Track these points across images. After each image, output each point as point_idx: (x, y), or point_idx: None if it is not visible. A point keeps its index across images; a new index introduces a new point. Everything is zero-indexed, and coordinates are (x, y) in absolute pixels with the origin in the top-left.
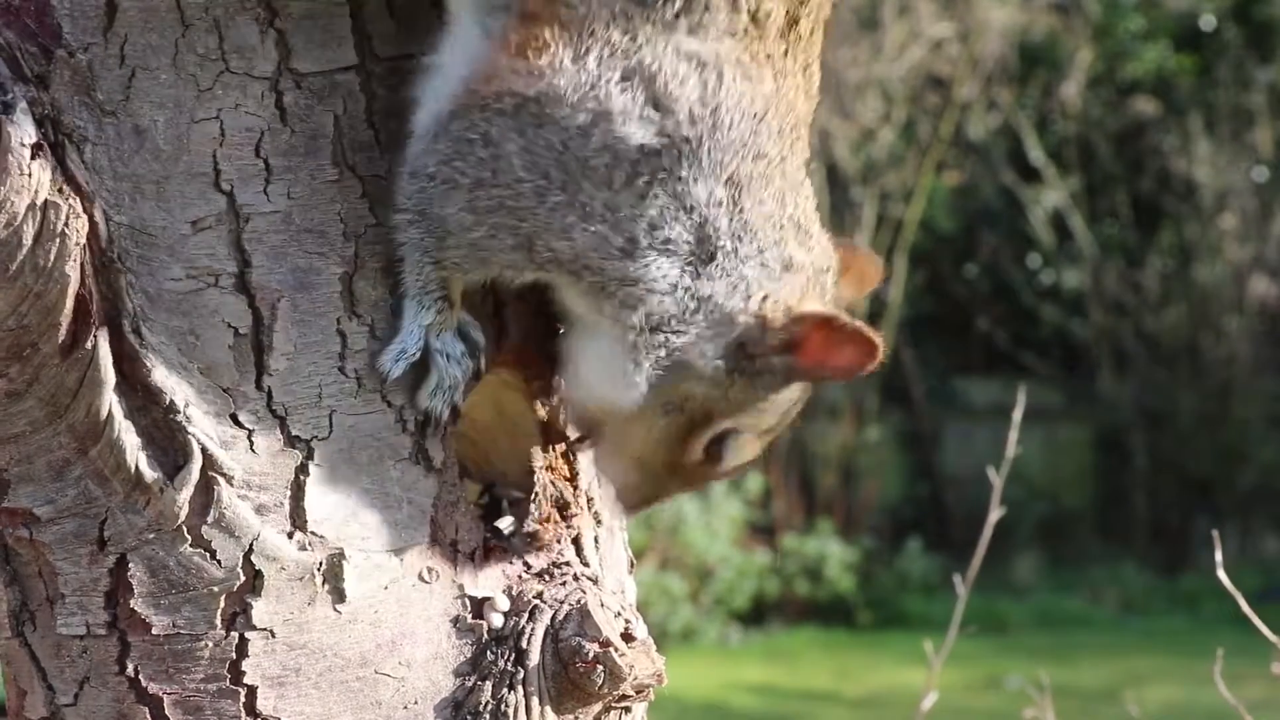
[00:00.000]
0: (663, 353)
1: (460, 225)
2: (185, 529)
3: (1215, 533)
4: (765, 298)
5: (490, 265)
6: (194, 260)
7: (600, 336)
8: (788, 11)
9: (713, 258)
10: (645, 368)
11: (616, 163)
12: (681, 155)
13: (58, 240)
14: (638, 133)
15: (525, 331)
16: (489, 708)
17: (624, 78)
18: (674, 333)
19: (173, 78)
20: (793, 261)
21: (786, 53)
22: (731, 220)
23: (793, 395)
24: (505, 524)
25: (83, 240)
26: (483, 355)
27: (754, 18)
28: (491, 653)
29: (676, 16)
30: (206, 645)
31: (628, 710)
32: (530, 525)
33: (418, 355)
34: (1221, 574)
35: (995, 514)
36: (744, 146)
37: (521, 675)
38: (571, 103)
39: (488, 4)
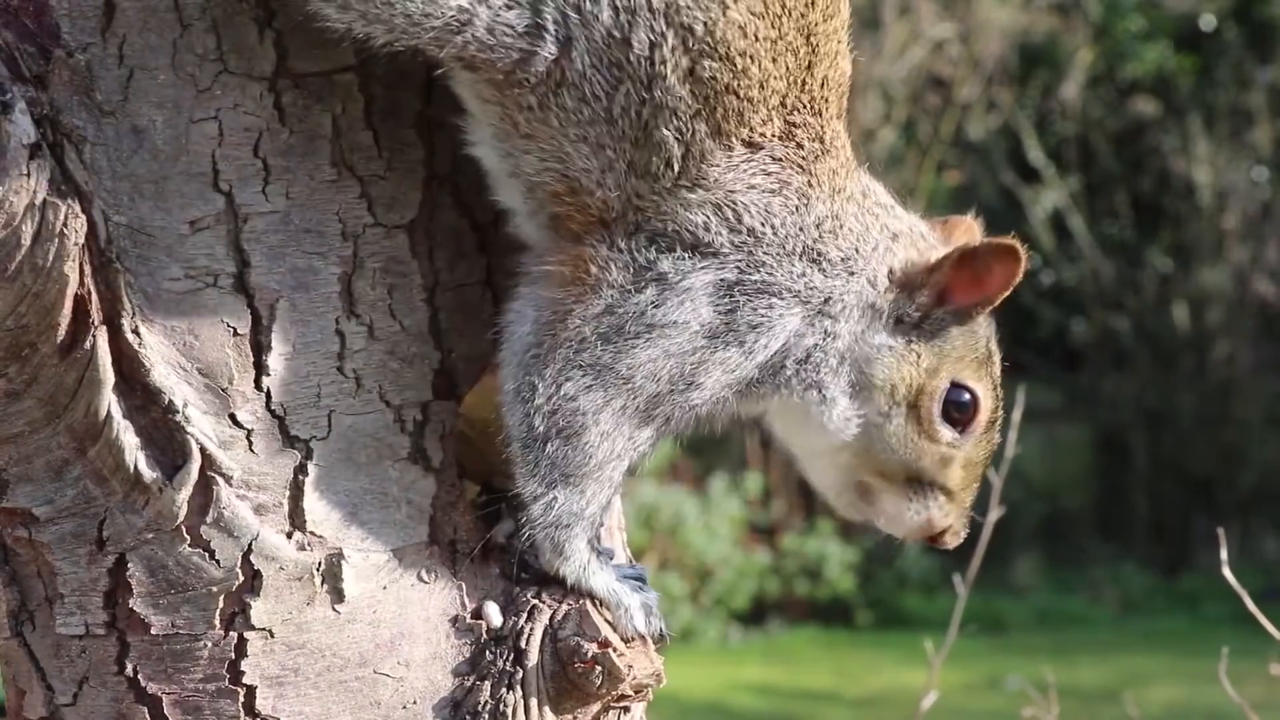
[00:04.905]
0: (828, 373)
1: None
2: (184, 529)
3: (1220, 531)
4: (890, 270)
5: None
6: (193, 260)
7: (790, 421)
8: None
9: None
10: (834, 398)
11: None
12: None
13: (56, 240)
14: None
15: None
16: (488, 707)
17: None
18: (823, 355)
19: (171, 78)
20: (895, 231)
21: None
22: (838, 239)
23: (979, 321)
24: (504, 530)
25: (81, 240)
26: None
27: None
28: (490, 652)
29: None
30: (205, 645)
31: (626, 710)
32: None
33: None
34: (1226, 572)
35: (995, 514)
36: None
37: (520, 675)
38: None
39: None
